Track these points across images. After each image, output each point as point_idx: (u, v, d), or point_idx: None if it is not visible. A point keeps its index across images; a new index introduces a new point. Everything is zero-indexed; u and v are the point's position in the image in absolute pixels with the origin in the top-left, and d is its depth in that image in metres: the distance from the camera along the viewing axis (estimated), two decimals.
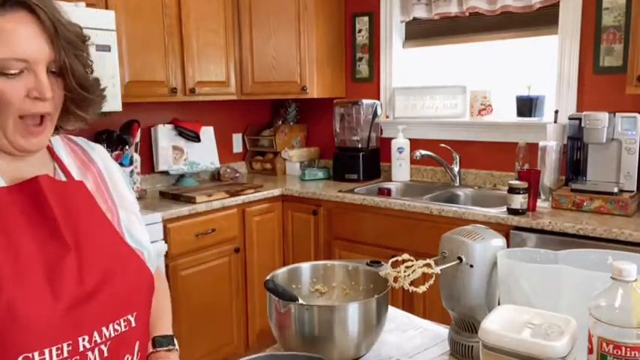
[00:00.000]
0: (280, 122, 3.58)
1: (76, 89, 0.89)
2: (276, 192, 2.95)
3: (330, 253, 2.82)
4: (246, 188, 2.90)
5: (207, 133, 3.24)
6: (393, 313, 1.26)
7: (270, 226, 2.96)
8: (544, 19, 2.70)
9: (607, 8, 2.46)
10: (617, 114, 2.25)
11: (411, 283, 0.98)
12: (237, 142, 3.60)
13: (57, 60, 0.85)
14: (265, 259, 2.94)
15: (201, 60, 2.91)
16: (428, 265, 1.00)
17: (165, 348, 1.01)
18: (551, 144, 2.45)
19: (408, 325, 1.23)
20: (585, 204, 2.23)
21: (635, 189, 2.25)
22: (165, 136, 3.05)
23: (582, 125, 2.27)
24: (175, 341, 1.04)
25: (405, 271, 1.00)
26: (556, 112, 2.56)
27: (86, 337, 0.85)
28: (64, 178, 0.94)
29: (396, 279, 1.02)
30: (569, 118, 2.41)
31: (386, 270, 1.07)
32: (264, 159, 3.56)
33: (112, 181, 1.03)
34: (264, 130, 3.59)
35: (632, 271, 0.77)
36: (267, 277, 1.11)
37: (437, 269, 1.00)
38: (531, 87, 2.72)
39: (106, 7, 2.44)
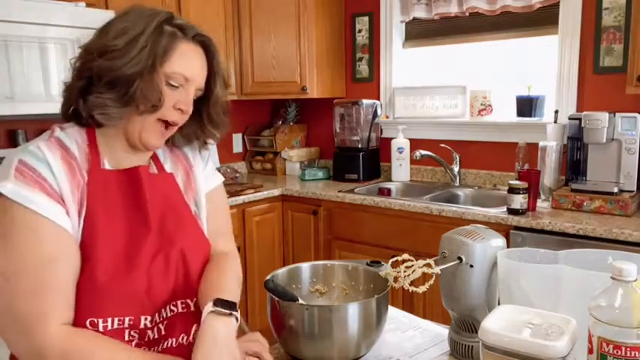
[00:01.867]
0: (280, 122, 3.58)
1: (220, 113, 1.12)
2: (276, 192, 2.95)
3: (330, 253, 2.82)
4: (246, 188, 2.90)
5: None
6: (393, 313, 1.26)
7: (270, 226, 2.96)
8: (544, 19, 2.70)
9: (607, 8, 2.46)
10: (617, 114, 2.25)
11: (411, 283, 0.98)
12: (237, 142, 3.60)
13: (204, 89, 1.06)
14: (265, 259, 2.94)
15: None
16: (428, 265, 1.00)
17: (227, 311, 0.95)
18: (551, 144, 2.45)
19: (408, 325, 1.23)
20: (585, 204, 2.23)
21: (635, 189, 2.25)
22: None
23: (582, 125, 2.27)
24: (238, 311, 0.99)
25: (405, 271, 1.00)
26: (556, 112, 2.56)
27: (148, 317, 0.98)
28: (155, 171, 1.10)
29: (396, 279, 1.02)
30: (569, 118, 2.41)
31: (386, 270, 1.07)
32: (264, 159, 3.56)
33: (194, 169, 1.16)
34: (264, 130, 3.59)
35: (632, 271, 0.77)
36: (267, 277, 1.11)
37: (437, 269, 1.00)
38: (531, 87, 2.72)
39: (106, 7, 2.44)
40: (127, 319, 0.96)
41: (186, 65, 1.01)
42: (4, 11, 2.02)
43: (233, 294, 1.04)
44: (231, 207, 2.74)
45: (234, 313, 0.96)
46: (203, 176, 1.18)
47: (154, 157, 1.13)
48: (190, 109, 1.04)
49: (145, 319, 0.98)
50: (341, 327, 1.02)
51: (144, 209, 1.02)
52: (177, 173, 1.13)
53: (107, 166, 1.03)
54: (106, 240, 0.96)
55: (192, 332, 1.03)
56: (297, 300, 1.08)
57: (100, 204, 0.97)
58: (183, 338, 1.02)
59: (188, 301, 1.04)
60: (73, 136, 1.01)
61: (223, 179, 1.25)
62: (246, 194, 2.81)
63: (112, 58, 0.96)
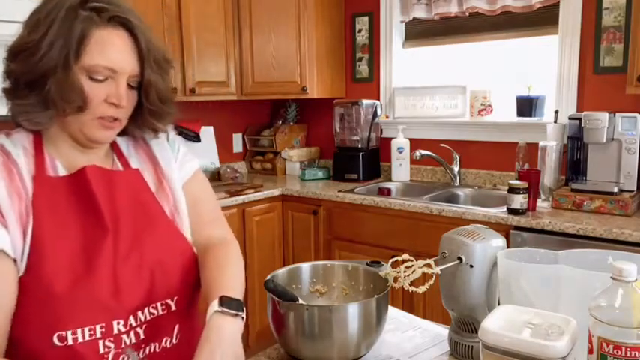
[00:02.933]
0: (280, 122, 3.58)
1: (157, 102, 1.00)
2: (276, 192, 2.95)
3: (330, 253, 2.82)
4: (246, 188, 2.90)
5: (207, 133, 3.24)
6: (393, 313, 1.26)
7: (270, 226, 2.96)
8: (544, 19, 2.70)
9: (607, 8, 2.46)
10: (617, 114, 2.25)
11: (411, 283, 0.98)
12: (237, 142, 3.60)
13: (139, 76, 0.96)
14: (265, 259, 2.94)
15: (201, 60, 2.91)
16: (428, 265, 1.00)
17: (233, 311, 0.90)
18: (551, 144, 2.45)
19: (408, 325, 1.23)
20: (585, 204, 2.23)
21: (635, 189, 2.25)
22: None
23: (582, 125, 2.27)
24: (244, 309, 0.94)
25: (405, 271, 1.00)
26: (556, 112, 2.56)
27: (121, 322, 0.91)
28: (121, 169, 1.03)
29: (396, 279, 1.02)
30: (569, 118, 2.41)
31: (386, 270, 1.07)
32: (264, 159, 3.56)
33: (164, 163, 1.09)
34: (264, 130, 3.59)
35: (632, 271, 0.77)
36: (267, 277, 1.11)
37: (437, 269, 1.00)
38: (531, 87, 2.72)
39: None
40: (97, 327, 0.89)
41: (107, 55, 0.90)
42: (2, 10, 2.02)
43: (238, 289, 0.99)
44: (231, 207, 2.74)
45: (239, 313, 0.91)
46: (175, 168, 1.10)
47: (118, 153, 1.05)
48: (124, 102, 0.94)
49: (118, 323, 0.91)
50: (341, 327, 1.02)
51: (98, 211, 0.94)
52: (144, 168, 1.05)
53: (60, 169, 0.96)
54: (58, 248, 0.88)
55: (175, 334, 0.99)
56: (297, 300, 1.08)
57: (48, 211, 0.90)
58: (166, 341, 0.98)
59: (168, 301, 0.98)
60: (20, 142, 0.94)
61: (199, 165, 1.17)
62: (246, 194, 2.81)
63: (26, 57, 0.88)
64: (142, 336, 0.94)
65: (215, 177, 3.32)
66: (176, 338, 0.99)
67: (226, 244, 1.12)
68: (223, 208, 2.68)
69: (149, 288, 0.95)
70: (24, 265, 0.87)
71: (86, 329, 0.88)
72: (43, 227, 0.88)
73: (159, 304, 0.96)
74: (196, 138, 3.13)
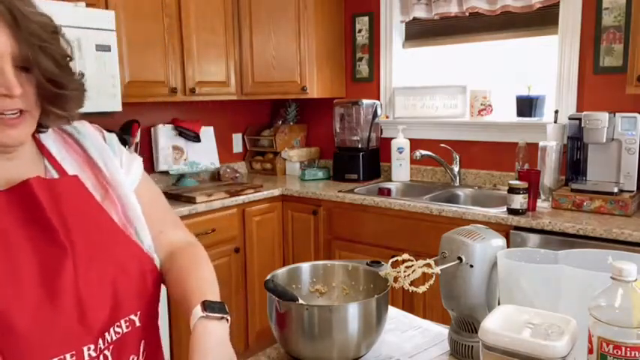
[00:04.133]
0: (280, 122, 3.58)
1: (45, 84, 0.81)
2: (276, 192, 2.95)
3: (330, 253, 2.82)
4: (246, 188, 2.90)
5: (207, 133, 3.24)
6: (393, 313, 1.26)
7: (270, 226, 2.96)
8: (544, 19, 2.70)
9: (607, 8, 2.46)
10: (617, 114, 2.25)
11: (411, 283, 0.98)
12: (237, 142, 3.60)
13: (21, 54, 0.78)
14: (265, 259, 2.94)
15: (201, 60, 2.91)
16: (428, 265, 1.00)
17: (218, 315, 0.85)
18: (551, 144, 2.45)
19: (408, 325, 1.23)
20: (585, 204, 2.23)
21: (635, 189, 2.25)
22: (165, 136, 3.05)
23: (582, 125, 2.27)
24: (227, 311, 0.89)
25: (405, 271, 1.00)
26: (556, 112, 2.56)
27: (92, 346, 0.82)
28: (56, 175, 0.89)
29: (396, 279, 1.02)
30: (569, 118, 2.41)
31: (386, 270, 1.07)
32: (264, 159, 3.56)
33: (108, 168, 0.96)
34: (264, 130, 3.59)
35: (632, 271, 0.77)
36: (267, 277, 1.11)
37: (437, 269, 1.00)
38: (531, 87, 2.72)
39: (106, 7, 2.44)
40: (67, 356, 0.79)
41: None
42: None
43: (216, 292, 0.92)
44: (231, 207, 2.74)
45: (225, 315, 0.86)
46: (122, 170, 0.98)
47: (48, 156, 0.91)
48: (16, 89, 0.77)
49: (89, 349, 0.81)
50: (341, 327, 1.02)
51: (50, 229, 0.82)
52: (83, 174, 0.92)
53: None
54: (10, 278, 0.77)
55: (142, 350, 0.91)
56: (297, 300, 1.08)
57: None
58: (134, 359, 0.90)
59: (132, 317, 0.89)
60: None
61: (141, 160, 1.05)
62: (246, 194, 2.81)
63: None
64: (109, 358, 0.85)
65: (215, 177, 3.32)
66: (142, 355, 0.92)
67: (192, 246, 1.04)
68: (223, 208, 2.69)
69: (112, 306, 0.85)
70: None
71: None
72: None
73: (122, 321, 0.87)
74: (196, 138, 3.13)
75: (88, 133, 0.97)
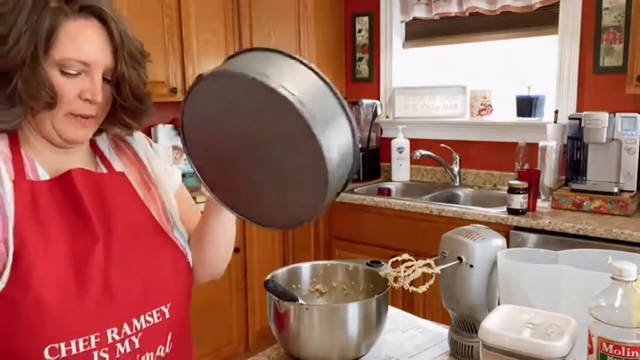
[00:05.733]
0: None
1: (130, 98, 0.93)
2: None
3: (330, 253, 2.82)
4: None
5: None
6: (393, 313, 1.26)
7: None
8: (544, 19, 2.70)
9: (607, 8, 2.46)
10: (617, 114, 2.25)
11: (411, 283, 0.98)
12: None
13: (115, 69, 0.90)
14: (265, 259, 2.94)
15: (201, 60, 2.91)
16: (428, 265, 1.00)
17: None
18: (551, 144, 2.45)
19: (408, 325, 1.23)
20: (585, 204, 2.23)
21: (635, 189, 2.25)
22: (165, 135, 3.05)
23: (582, 125, 2.27)
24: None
25: (405, 271, 1.00)
26: (556, 112, 2.56)
27: (115, 330, 0.86)
28: (105, 171, 0.97)
29: (396, 279, 1.02)
30: (569, 118, 2.41)
31: (386, 270, 1.07)
32: None
33: (153, 169, 1.05)
34: None
35: (632, 271, 0.77)
36: (267, 277, 1.11)
37: (437, 269, 1.00)
38: (531, 87, 2.72)
39: None
40: (92, 337, 0.84)
41: (79, 47, 0.85)
42: None
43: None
44: None
45: None
46: (166, 174, 1.07)
47: (100, 154, 1.00)
48: (99, 97, 0.88)
49: (112, 332, 0.86)
50: (341, 327, 1.02)
51: (86, 216, 0.88)
52: (129, 172, 1.00)
53: (41, 172, 0.90)
54: (44, 258, 0.83)
55: (169, 342, 0.95)
56: (297, 300, 1.08)
57: (30, 218, 0.84)
58: (161, 350, 0.94)
59: (162, 308, 0.93)
60: None
61: (180, 171, 1.17)
62: None
63: None
64: (137, 345, 0.89)
65: None
66: (169, 347, 0.95)
67: None
68: None
69: (142, 294, 0.91)
70: (6, 276, 0.80)
71: (80, 340, 0.83)
72: (26, 235, 0.83)
73: (154, 311, 0.92)
74: None
75: (140, 139, 1.08)
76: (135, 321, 0.89)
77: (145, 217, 0.97)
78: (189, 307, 1.04)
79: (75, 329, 0.82)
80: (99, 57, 0.87)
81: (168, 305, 0.94)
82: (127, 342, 0.88)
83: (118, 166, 1.00)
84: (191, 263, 1.02)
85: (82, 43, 0.85)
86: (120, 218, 0.92)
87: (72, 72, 0.85)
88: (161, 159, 1.08)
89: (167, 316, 0.94)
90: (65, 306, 0.82)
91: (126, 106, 0.94)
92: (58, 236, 0.85)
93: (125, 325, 0.88)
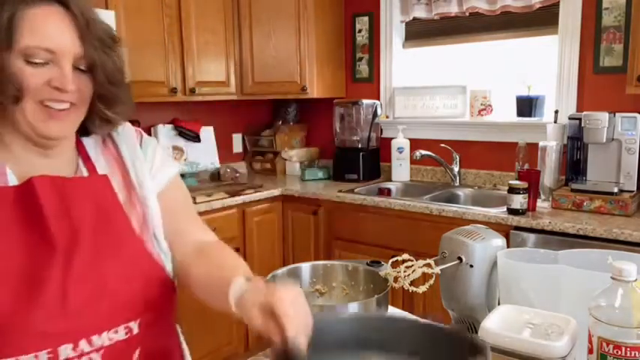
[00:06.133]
0: (280, 122, 3.58)
1: (105, 84, 0.88)
2: (276, 192, 2.95)
3: (330, 253, 2.82)
4: (246, 188, 2.90)
5: (207, 133, 3.24)
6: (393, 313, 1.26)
7: (270, 226, 2.96)
8: (544, 19, 2.70)
9: (607, 8, 2.46)
10: (617, 114, 2.25)
11: (411, 283, 0.98)
12: (237, 142, 3.60)
13: (86, 56, 0.85)
14: (265, 260, 2.94)
15: (201, 60, 2.91)
16: (428, 265, 1.00)
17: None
18: (551, 144, 2.45)
19: None
20: (585, 204, 2.23)
21: (635, 189, 2.25)
22: (165, 135, 3.05)
23: (582, 125, 2.27)
24: None
25: (405, 271, 1.00)
26: (556, 112, 2.56)
27: (69, 346, 0.81)
28: (85, 174, 0.92)
29: (396, 279, 1.02)
30: (569, 118, 2.41)
31: (386, 270, 1.07)
32: (264, 159, 3.56)
33: (136, 170, 0.97)
34: (264, 130, 3.59)
35: (632, 271, 0.77)
36: (267, 277, 1.11)
37: (437, 269, 1.00)
38: (531, 87, 2.72)
39: (106, 7, 2.44)
40: (43, 353, 0.79)
41: (42, 35, 0.81)
42: None
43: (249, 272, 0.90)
44: (231, 207, 2.74)
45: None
46: (149, 175, 0.99)
47: (84, 156, 0.94)
48: (70, 85, 0.83)
49: (66, 348, 0.81)
50: None
51: (44, 227, 0.83)
52: (112, 174, 0.94)
53: (10, 177, 0.85)
54: None
55: (135, 358, 0.90)
56: None
57: None
58: None
59: (131, 324, 0.88)
60: None
61: (179, 167, 1.07)
62: (246, 194, 2.81)
63: None
64: None
65: (215, 177, 3.32)
66: None
67: (221, 245, 1.03)
68: (223, 208, 2.69)
69: (107, 310, 0.85)
70: None
71: (31, 356, 0.78)
72: None
73: (121, 327, 0.86)
74: (196, 138, 3.13)
75: (126, 134, 1.00)
76: (95, 337, 0.84)
77: (122, 226, 0.91)
78: (174, 319, 1.00)
79: (24, 345, 0.78)
80: (64, 44, 0.82)
81: (138, 321, 0.89)
82: (84, 359, 0.83)
83: (102, 167, 0.95)
84: (171, 274, 0.96)
85: (45, 30, 0.81)
86: (90, 228, 0.86)
87: (38, 61, 0.81)
88: (147, 156, 1.00)
89: (135, 332, 0.88)
90: (13, 322, 0.78)
91: (102, 93, 0.89)
92: (13, 248, 0.81)
93: (83, 342, 0.82)
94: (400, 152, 3.07)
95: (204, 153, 3.19)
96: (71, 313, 0.81)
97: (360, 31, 3.32)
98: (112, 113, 0.92)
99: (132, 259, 0.90)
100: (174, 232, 1.00)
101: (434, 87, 3.11)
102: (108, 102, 0.91)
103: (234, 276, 0.84)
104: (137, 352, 0.90)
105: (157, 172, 1.00)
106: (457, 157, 2.91)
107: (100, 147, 0.97)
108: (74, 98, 0.85)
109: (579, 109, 2.57)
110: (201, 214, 2.56)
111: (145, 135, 1.04)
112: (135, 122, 2.77)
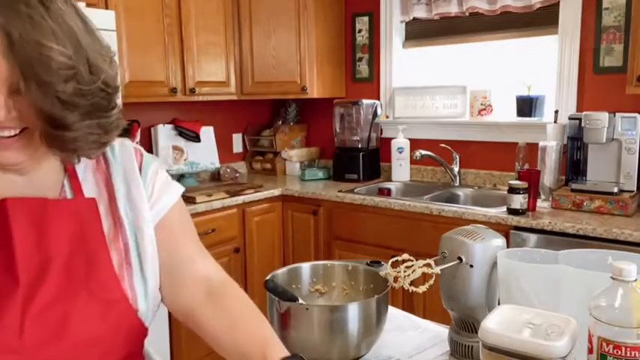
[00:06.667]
0: (280, 122, 3.58)
1: (53, 106, 0.69)
2: (276, 192, 2.95)
3: (330, 253, 2.82)
4: (246, 188, 2.90)
5: (207, 133, 3.24)
6: (393, 313, 1.26)
7: (270, 226, 2.96)
8: (544, 19, 2.70)
9: (607, 8, 2.46)
10: (617, 114, 2.25)
11: (411, 283, 0.98)
12: (237, 142, 3.60)
13: (16, 78, 0.68)
14: (265, 259, 2.94)
15: (201, 60, 2.91)
16: (428, 265, 1.00)
17: None
18: (551, 144, 2.45)
19: (408, 325, 1.23)
20: (585, 204, 2.23)
21: (635, 189, 2.25)
22: (165, 136, 3.05)
23: (582, 125, 2.27)
24: None
25: (405, 271, 1.00)
26: (556, 112, 2.56)
27: None
28: (70, 196, 0.83)
29: (396, 279, 1.02)
30: (569, 118, 2.41)
31: (386, 270, 1.07)
32: (264, 159, 3.56)
33: (130, 196, 0.88)
34: (264, 130, 3.59)
35: (632, 271, 0.77)
36: (267, 277, 1.11)
37: (437, 269, 1.00)
38: (531, 87, 2.72)
39: (106, 7, 2.44)
40: None
41: None
42: None
43: (281, 344, 0.84)
44: (231, 207, 2.74)
45: None
46: (147, 203, 0.89)
47: (71, 173, 0.85)
48: (3, 114, 0.69)
49: None
50: (341, 327, 1.02)
51: (9, 256, 0.75)
52: (100, 196, 0.85)
53: None
54: None
55: None
56: (297, 300, 1.08)
57: None
58: None
59: None
60: None
61: (182, 191, 0.97)
62: (246, 194, 2.81)
63: None
64: None
65: (215, 177, 3.32)
66: None
67: (233, 286, 0.95)
68: (223, 208, 2.69)
69: (71, 351, 0.78)
70: None
71: None
72: None
73: None
74: (196, 138, 3.13)
75: (123, 155, 0.90)
76: None
77: (99, 260, 0.82)
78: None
79: None
80: None
81: None
82: None
83: (90, 188, 0.85)
84: (145, 316, 0.86)
85: None
86: (62, 261, 0.78)
87: None
88: (147, 181, 0.91)
89: None
90: None
91: (50, 115, 0.70)
92: None
93: None
94: (400, 152, 3.07)
95: (204, 153, 3.19)
96: (27, 350, 0.74)
97: (360, 31, 3.32)
98: (59, 151, 0.75)
99: (103, 299, 0.81)
100: (173, 268, 0.91)
101: (434, 87, 3.11)
102: (49, 139, 0.73)
103: (269, 355, 0.79)
104: None
105: (156, 201, 0.91)
106: (457, 157, 2.92)
107: (90, 165, 0.87)
108: (17, 124, 0.72)
109: (579, 109, 2.57)
110: (201, 214, 2.58)
111: (145, 155, 0.94)
112: (135, 122, 2.78)
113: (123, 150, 0.91)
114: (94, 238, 0.82)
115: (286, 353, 0.80)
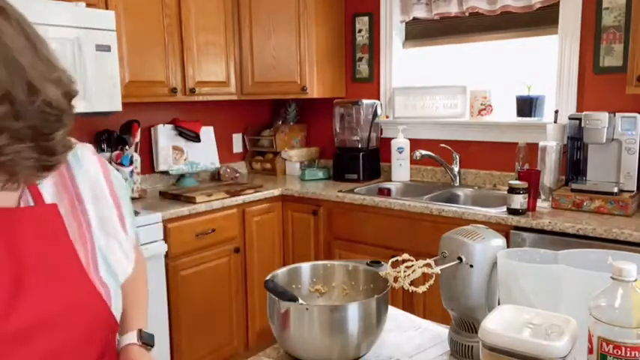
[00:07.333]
0: (280, 122, 3.58)
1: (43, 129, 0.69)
2: (276, 192, 2.95)
3: (330, 253, 2.82)
4: (246, 188, 2.90)
5: (207, 133, 3.24)
6: (393, 313, 1.26)
7: (270, 226, 2.96)
8: (544, 19, 2.70)
9: (607, 8, 2.46)
10: (617, 114, 2.25)
11: (411, 283, 0.98)
12: (237, 142, 3.60)
13: None
14: (265, 259, 2.94)
15: (201, 60, 2.91)
16: (428, 265, 0.99)
17: (150, 347, 0.99)
18: (551, 144, 2.45)
19: (408, 325, 1.23)
20: (585, 204, 2.23)
21: (635, 189, 2.25)
22: (165, 136, 3.05)
23: (582, 125, 2.27)
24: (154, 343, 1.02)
25: (405, 271, 1.00)
26: (556, 112, 2.56)
27: None
28: (31, 203, 0.82)
29: (396, 279, 1.02)
30: (569, 118, 2.41)
31: (386, 270, 1.07)
32: (264, 159, 3.56)
33: (96, 201, 0.89)
34: (264, 130, 3.59)
35: (632, 271, 0.77)
36: (267, 277, 1.11)
37: (437, 269, 1.00)
38: (531, 87, 2.72)
39: (106, 7, 2.44)
40: None
41: None
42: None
43: (145, 319, 1.04)
44: (231, 207, 2.74)
45: (153, 347, 0.99)
46: (112, 202, 0.92)
47: (31, 184, 0.83)
48: None
49: None
50: (341, 327, 1.02)
51: None
52: (61, 200, 0.84)
53: None
54: None
55: None
56: (297, 300, 1.08)
57: None
58: None
59: None
60: None
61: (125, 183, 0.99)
62: (246, 194, 2.81)
63: None
64: None
65: (215, 177, 3.32)
66: None
67: (136, 273, 0.98)
68: (223, 208, 2.69)
69: (46, 351, 0.78)
70: None
71: None
72: None
73: None
74: (196, 138, 3.13)
75: (88, 161, 0.91)
76: None
77: (69, 259, 0.82)
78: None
79: None
80: None
81: None
82: None
83: (49, 193, 0.84)
84: (116, 313, 0.89)
85: None
86: (32, 267, 0.78)
87: None
88: (109, 194, 0.92)
89: None
90: None
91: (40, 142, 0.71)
92: None
93: None
94: (400, 152, 3.07)
95: (204, 153, 3.19)
96: (8, 355, 0.74)
97: (360, 31, 3.32)
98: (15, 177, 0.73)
99: (77, 300, 0.81)
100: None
101: (434, 87, 3.11)
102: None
103: (129, 329, 0.98)
104: None
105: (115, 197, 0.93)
106: (457, 157, 2.92)
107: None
108: None
109: (579, 109, 2.57)
110: (201, 214, 2.58)
111: (112, 169, 0.96)
112: (135, 122, 2.78)
113: (88, 160, 0.91)
114: (61, 241, 0.82)
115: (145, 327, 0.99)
